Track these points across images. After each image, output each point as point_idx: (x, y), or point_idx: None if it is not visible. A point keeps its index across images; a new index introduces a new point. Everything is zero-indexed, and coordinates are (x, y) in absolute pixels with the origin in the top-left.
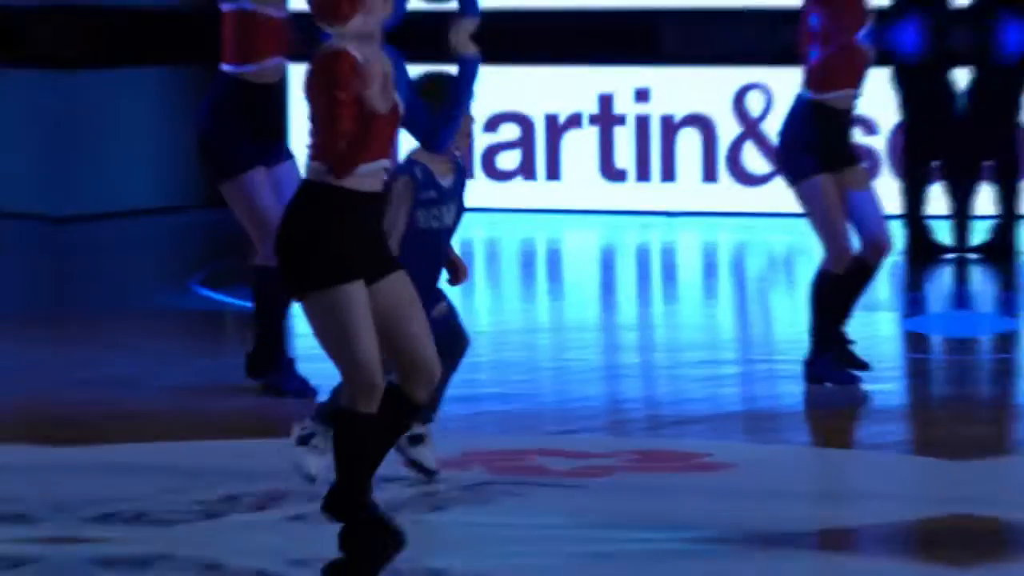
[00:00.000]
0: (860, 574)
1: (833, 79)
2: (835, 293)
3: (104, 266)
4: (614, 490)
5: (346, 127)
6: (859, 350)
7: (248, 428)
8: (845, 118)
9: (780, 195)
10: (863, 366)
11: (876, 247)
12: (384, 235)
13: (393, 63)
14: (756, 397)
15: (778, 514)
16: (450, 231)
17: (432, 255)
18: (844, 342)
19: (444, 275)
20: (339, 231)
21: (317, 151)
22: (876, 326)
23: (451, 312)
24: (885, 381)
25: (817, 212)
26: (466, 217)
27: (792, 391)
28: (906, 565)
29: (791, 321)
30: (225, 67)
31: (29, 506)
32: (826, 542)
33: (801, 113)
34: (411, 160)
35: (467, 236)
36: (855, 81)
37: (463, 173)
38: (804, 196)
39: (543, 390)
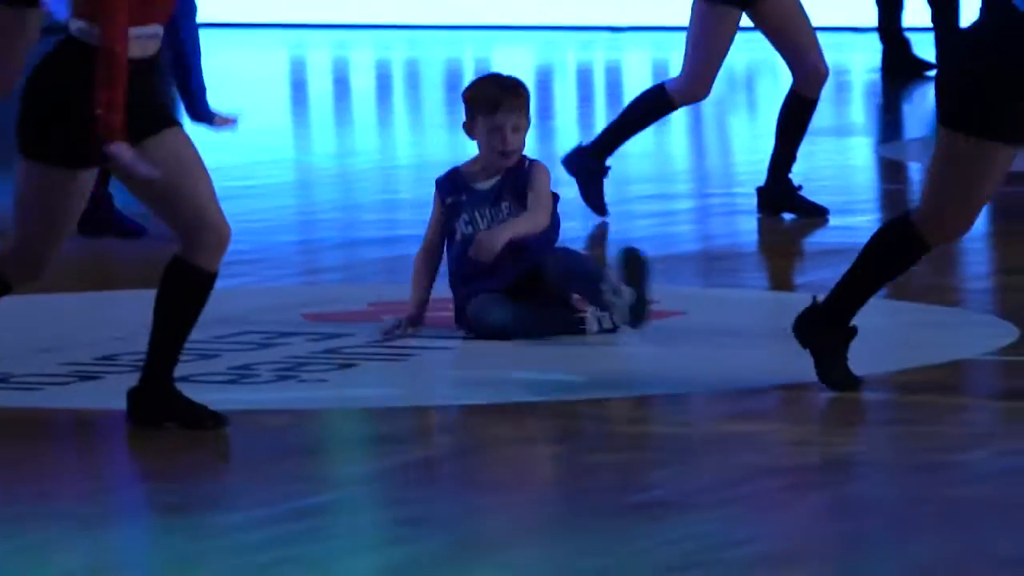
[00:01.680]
0: (824, 435)
1: None
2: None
3: None
4: (549, 346)
5: None
6: (829, 179)
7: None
8: None
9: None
10: (821, 211)
11: (812, 77)
12: (157, 96)
13: None
14: (711, 236)
15: (727, 366)
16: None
17: (479, 263)
18: (792, 188)
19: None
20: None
21: (82, 7)
22: (848, 153)
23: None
24: (858, 214)
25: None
26: (384, 35)
27: (752, 228)
28: (877, 423)
29: (752, 149)
30: None
31: None
32: (785, 396)
33: None
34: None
35: (385, 56)
36: None
37: (519, 174)
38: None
39: None
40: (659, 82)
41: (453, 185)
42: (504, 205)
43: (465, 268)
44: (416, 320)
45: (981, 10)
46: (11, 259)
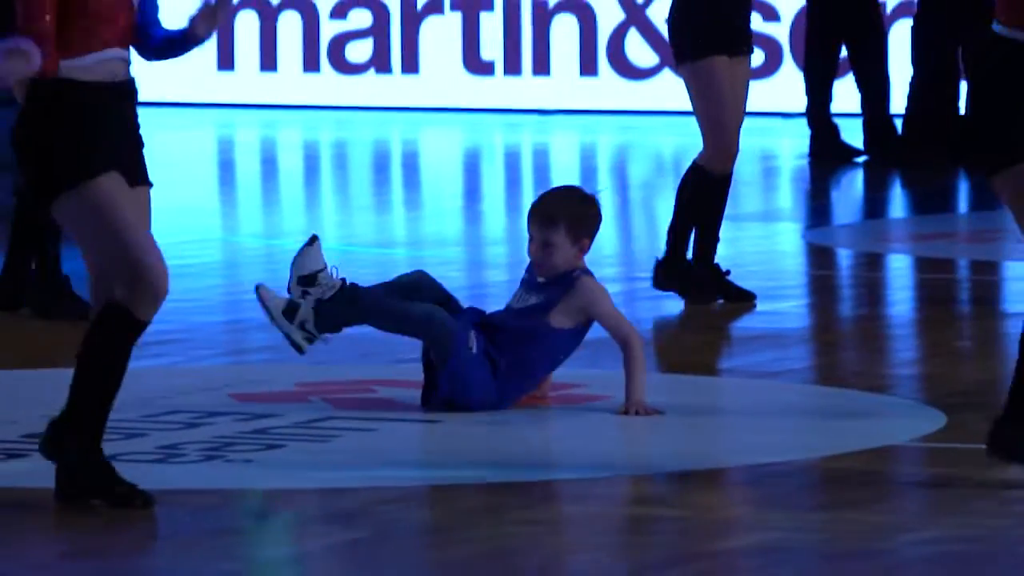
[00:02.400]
0: (746, 520)
1: None
2: (706, 196)
3: None
4: (474, 425)
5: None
6: (757, 264)
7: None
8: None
9: (667, 90)
10: (748, 296)
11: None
12: (140, 142)
13: None
14: (638, 320)
15: (651, 449)
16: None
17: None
18: (720, 273)
19: None
20: (77, 124)
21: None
22: (776, 238)
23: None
24: (785, 300)
25: (705, 97)
26: (312, 116)
27: (677, 311)
28: (800, 509)
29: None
30: None
31: None
32: (710, 482)
33: None
34: None
35: (313, 137)
36: None
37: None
38: (694, 77)
39: None
40: (691, 164)
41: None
42: (533, 295)
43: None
44: None
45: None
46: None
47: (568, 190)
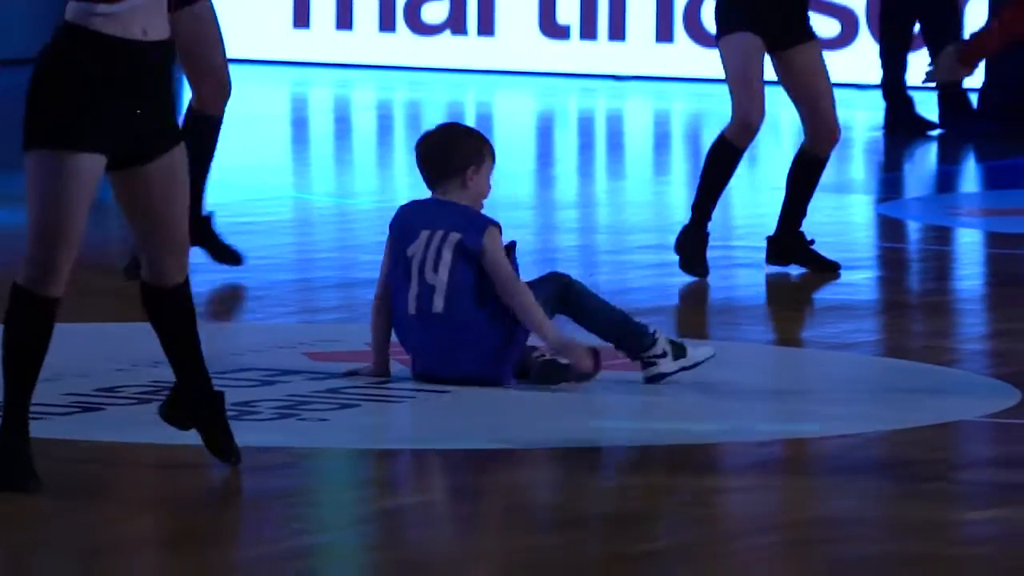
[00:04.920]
0: (820, 491)
1: None
2: (721, 162)
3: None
4: (551, 391)
5: None
6: (830, 236)
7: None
8: None
9: None
10: (833, 265)
11: (825, 136)
12: (163, 105)
13: None
14: (710, 288)
15: (725, 421)
16: None
17: None
18: (805, 242)
19: None
20: (64, 89)
21: None
22: (848, 210)
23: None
24: (857, 271)
25: (730, 69)
26: (387, 76)
27: (751, 281)
28: (871, 481)
29: (752, 202)
30: None
31: None
32: (785, 453)
33: None
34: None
35: (387, 97)
36: None
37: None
38: (721, 52)
39: None
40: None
41: None
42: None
43: None
44: None
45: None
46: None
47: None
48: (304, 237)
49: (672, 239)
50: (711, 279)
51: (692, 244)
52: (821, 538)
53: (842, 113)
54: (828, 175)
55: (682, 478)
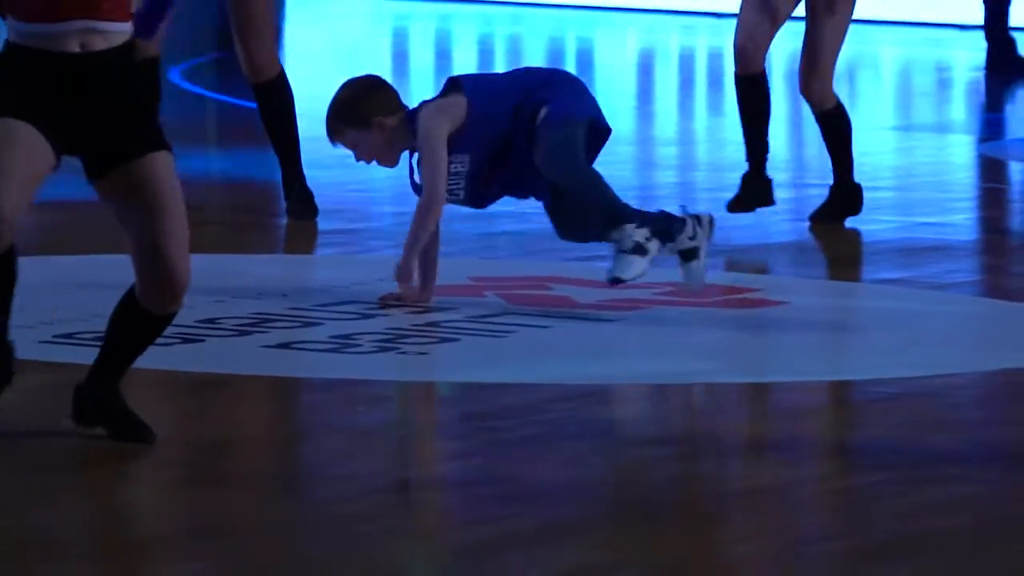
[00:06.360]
0: (934, 425)
1: None
2: (739, 99)
3: None
4: (650, 323)
5: None
6: (928, 176)
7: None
8: None
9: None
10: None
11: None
12: (131, 109)
13: None
14: (808, 227)
15: (835, 356)
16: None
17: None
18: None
19: None
20: (11, 82)
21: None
22: (949, 150)
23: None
24: (956, 213)
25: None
26: (488, 10)
27: (852, 221)
28: (986, 415)
29: (854, 140)
30: None
31: None
32: (889, 392)
33: None
34: None
35: (488, 31)
36: None
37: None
38: None
39: None
40: None
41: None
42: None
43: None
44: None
45: None
46: None
47: (334, 98)
48: (405, 171)
49: (773, 177)
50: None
51: (750, 195)
52: (929, 477)
53: (942, 53)
54: (927, 114)
55: (789, 414)
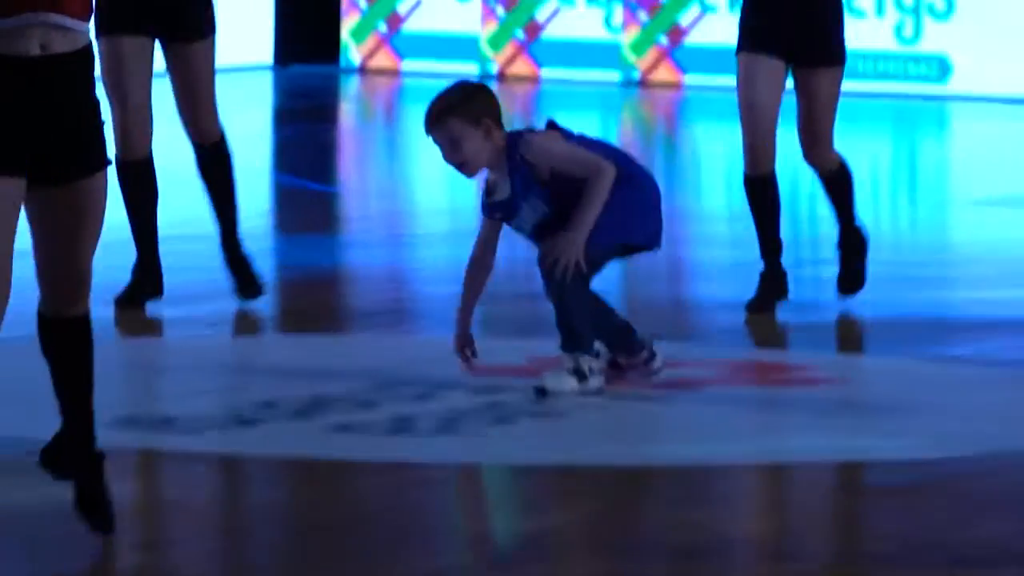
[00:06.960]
0: (999, 506)
1: None
2: (748, 196)
3: None
4: (711, 404)
5: None
6: (990, 252)
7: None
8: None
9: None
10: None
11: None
12: (75, 125)
13: None
14: (874, 303)
15: (893, 434)
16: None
17: None
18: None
19: None
20: None
21: None
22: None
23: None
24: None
25: (737, 94)
26: None
27: (910, 298)
28: None
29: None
30: None
31: None
32: (954, 470)
33: None
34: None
35: None
36: None
37: (520, 166)
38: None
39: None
40: None
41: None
42: (527, 206)
43: None
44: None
45: None
46: None
47: (446, 90)
48: (459, 248)
49: (822, 253)
50: (875, 292)
51: (766, 295)
52: (989, 559)
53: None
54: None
55: (838, 491)
